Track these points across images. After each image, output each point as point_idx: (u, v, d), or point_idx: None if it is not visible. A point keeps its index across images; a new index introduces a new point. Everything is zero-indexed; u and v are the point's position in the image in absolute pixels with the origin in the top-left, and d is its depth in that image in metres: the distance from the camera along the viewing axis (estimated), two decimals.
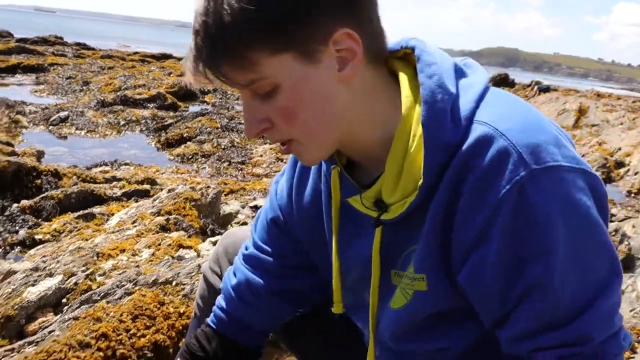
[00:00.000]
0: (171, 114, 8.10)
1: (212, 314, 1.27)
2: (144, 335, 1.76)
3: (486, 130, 0.84)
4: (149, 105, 8.42)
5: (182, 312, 1.87)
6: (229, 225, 3.33)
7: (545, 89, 12.33)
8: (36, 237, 3.22)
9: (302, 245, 1.18)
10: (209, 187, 3.36)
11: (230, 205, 3.69)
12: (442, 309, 0.95)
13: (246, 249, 1.26)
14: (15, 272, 2.13)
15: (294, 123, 0.90)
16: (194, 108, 8.89)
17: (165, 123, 7.39)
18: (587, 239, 0.84)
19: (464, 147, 0.85)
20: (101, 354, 1.67)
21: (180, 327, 1.83)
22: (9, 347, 1.70)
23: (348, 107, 0.91)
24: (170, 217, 2.64)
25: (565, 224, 0.82)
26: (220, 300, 1.27)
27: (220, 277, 1.37)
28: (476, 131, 0.85)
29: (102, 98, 8.39)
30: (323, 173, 1.08)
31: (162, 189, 3.53)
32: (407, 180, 0.90)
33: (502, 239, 0.84)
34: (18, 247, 3.15)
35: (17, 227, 3.42)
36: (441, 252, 0.91)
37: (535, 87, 12.65)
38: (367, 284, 1.03)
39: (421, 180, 0.88)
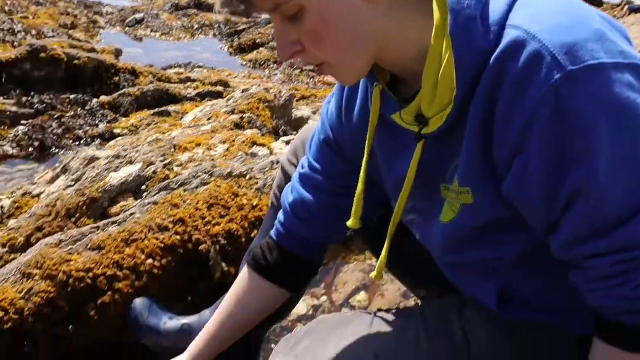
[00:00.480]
0: (244, 19, 8.07)
1: (274, 228, 1.31)
2: (218, 224, 1.84)
3: (518, 34, 0.80)
4: (222, 10, 8.38)
5: (255, 204, 1.93)
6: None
7: (637, 9, 11.55)
8: (115, 131, 3.34)
9: (352, 165, 1.18)
10: (281, 91, 3.38)
11: (301, 111, 3.71)
12: (491, 220, 0.95)
13: (302, 167, 1.28)
14: (98, 159, 2.23)
15: (322, 46, 0.88)
16: (267, 15, 8.79)
17: (238, 29, 7.38)
18: (636, 141, 0.79)
19: (496, 53, 0.81)
20: (178, 237, 1.75)
21: (253, 219, 1.89)
22: (94, 225, 1.80)
23: (377, 26, 0.88)
24: (244, 115, 2.68)
25: (610, 125, 0.77)
26: (280, 215, 1.31)
27: (296, 166, 1.41)
28: (508, 36, 0.81)
29: (176, 1, 8.40)
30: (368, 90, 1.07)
31: (235, 91, 3.57)
32: (442, 92, 0.87)
33: (542, 144, 0.81)
34: (98, 140, 3.28)
35: (97, 122, 3.56)
36: (483, 163, 0.89)
37: (626, 7, 11.85)
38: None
39: (455, 92, 0.86)
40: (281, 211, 1.30)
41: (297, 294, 1.42)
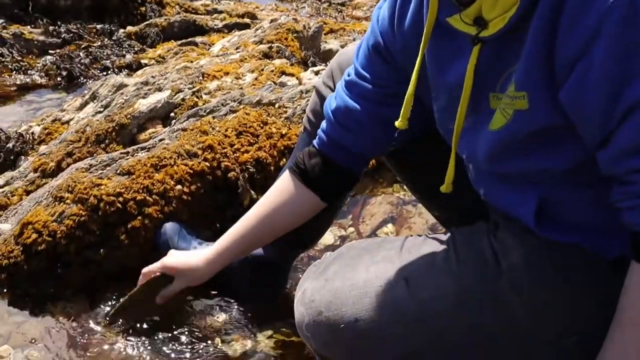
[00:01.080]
0: None
1: (317, 137, 1.29)
2: (247, 151, 1.82)
3: None
4: None
5: (283, 133, 1.91)
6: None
7: None
8: (142, 61, 3.31)
9: (401, 73, 1.15)
10: (309, 22, 3.32)
11: (330, 44, 3.64)
12: (544, 127, 0.92)
13: (348, 75, 1.24)
14: (126, 86, 2.22)
15: None
16: None
17: None
18: None
19: None
20: (207, 164, 1.75)
21: (282, 147, 1.88)
22: (123, 150, 1.80)
23: None
24: (272, 45, 2.64)
25: None
26: (322, 123, 1.28)
27: (333, 90, 1.38)
28: None
29: None
30: None
31: (262, 22, 3.51)
32: None
33: (608, 50, 0.78)
34: (125, 70, 3.26)
35: (123, 52, 3.53)
36: (543, 68, 0.87)
37: None
38: (456, 108, 1.01)
39: None
40: (324, 121, 1.28)
41: (329, 211, 1.41)
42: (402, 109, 1.10)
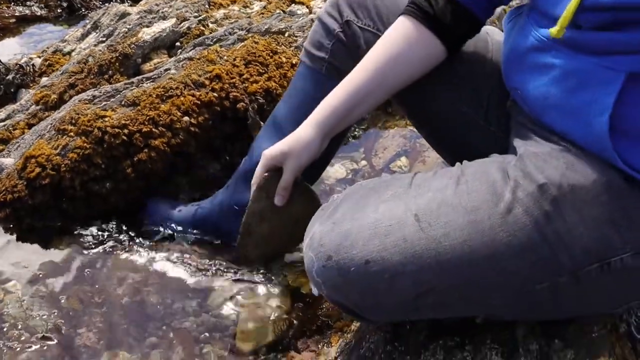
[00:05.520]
0: None
1: None
2: (256, 81, 1.75)
3: None
4: None
5: (294, 62, 1.84)
6: None
7: None
8: None
9: None
10: None
11: None
12: None
13: None
14: (129, 14, 2.13)
15: None
16: None
17: None
18: None
19: None
20: (215, 94, 1.68)
21: (292, 77, 1.80)
22: (128, 81, 1.73)
23: None
24: None
25: None
26: None
27: (337, 21, 1.31)
28: None
29: None
30: None
31: None
32: None
33: None
34: (129, 1, 3.15)
35: None
36: None
37: None
38: None
39: None
40: None
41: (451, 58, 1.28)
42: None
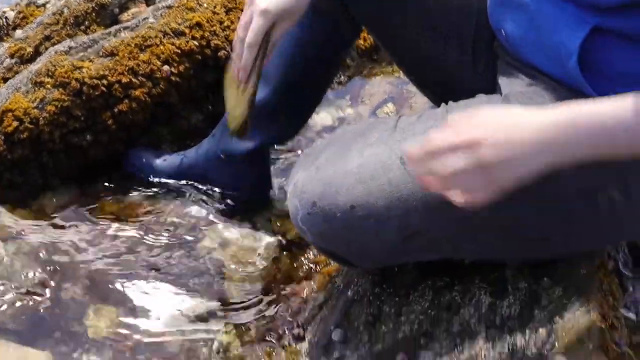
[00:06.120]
0: None
1: None
2: None
3: None
4: None
5: None
6: None
7: None
8: None
9: None
10: None
11: None
12: None
13: None
14: None
15: None
16: None
17: None
18: None
19: None
20: (195, 42, 1.63)
21: None
22: (105, 31, 1.68)
23: None
24: None
25: None
26: None
27: None
28: None
29: None
30: None
31: None
32: None
33: None
34: None
35: None
36: None
37: None
38: None
39: None
40: None
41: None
42: None
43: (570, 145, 0.78)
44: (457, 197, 0.82)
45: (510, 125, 0.80)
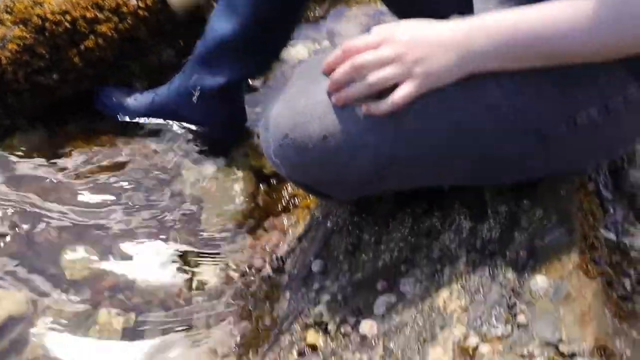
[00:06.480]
0: None
1: None
2: None
3: None
4: None
5: None
6: None
7: None
8: None
9: None
10: None
11: None
12: None
13: None
14: None
15: None
16: None
17: None
18: None
19: None
20: None
21: None
22: None
23: None
24: None
25: None
26: None
27: None
28: None
29: None
30: None
31: None
32: None
33: None
34: None
35: None
36: None
37: None
38: None
39: None
40: None
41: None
42: None
43: (480, 46, 0.84)
44: (382, 105, 0.88)
45: (427, 28, 0.87)
